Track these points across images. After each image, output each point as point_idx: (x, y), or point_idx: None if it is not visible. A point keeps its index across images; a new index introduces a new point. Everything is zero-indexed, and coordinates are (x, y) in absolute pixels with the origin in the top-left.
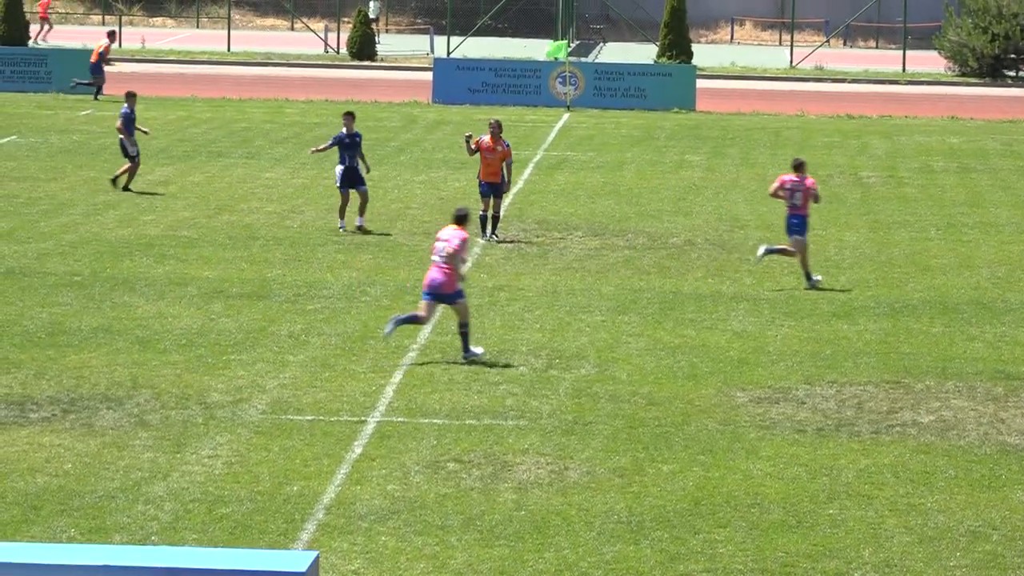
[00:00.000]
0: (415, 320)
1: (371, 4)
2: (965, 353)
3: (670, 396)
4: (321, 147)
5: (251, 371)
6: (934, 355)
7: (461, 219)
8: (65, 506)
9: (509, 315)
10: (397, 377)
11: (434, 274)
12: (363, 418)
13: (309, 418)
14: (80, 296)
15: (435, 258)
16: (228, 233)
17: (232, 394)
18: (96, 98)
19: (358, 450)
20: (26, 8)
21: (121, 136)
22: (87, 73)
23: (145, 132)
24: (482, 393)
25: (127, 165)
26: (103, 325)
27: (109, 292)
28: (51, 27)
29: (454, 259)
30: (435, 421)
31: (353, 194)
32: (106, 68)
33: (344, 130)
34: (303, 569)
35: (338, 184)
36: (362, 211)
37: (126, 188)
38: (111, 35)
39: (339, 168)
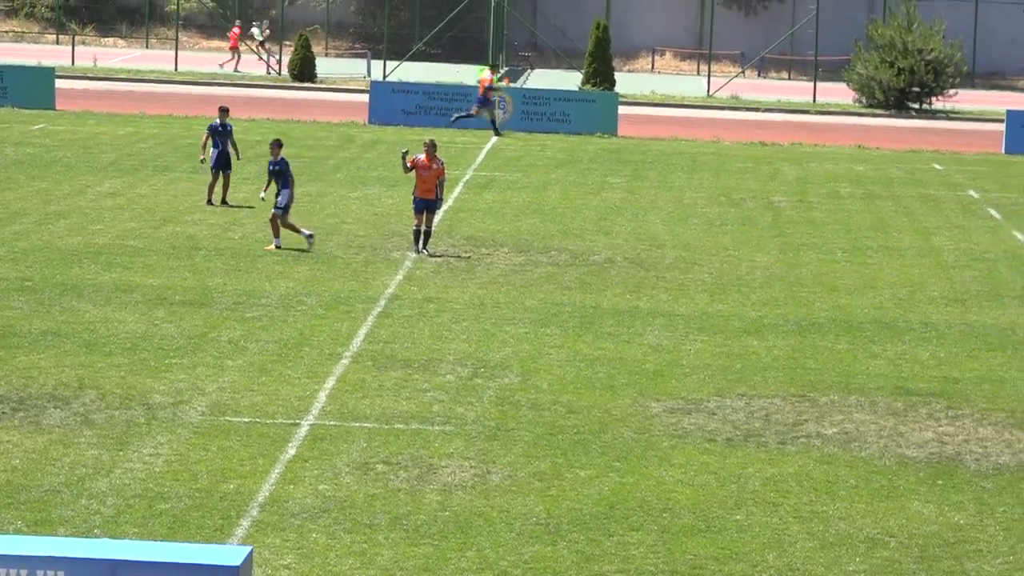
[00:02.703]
0: None
1: (254, 29)
2: (867, 369)
3: (588, 405)
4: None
5: (192, 374)
6: (838, 371)
7: None
8: (12, 499)
9: (437, 326)
10: (330, 383)
11: None
12: (297, 421)
13: (246, 420)
14: (30, 300)
15: None
16: (172, 243)
17: (173, 396)
18: (498, 133)
19: (292, 451)
20: None
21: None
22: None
23: (237, 157)
24: (410, 399)
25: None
26: (52, 328)
27: (58, 297)
28: (239, 58)
29: None
30: (365, 425)
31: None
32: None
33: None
34: (237, 563)
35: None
36: (225, 193)
37: (209, 202)
38: (493, 68)
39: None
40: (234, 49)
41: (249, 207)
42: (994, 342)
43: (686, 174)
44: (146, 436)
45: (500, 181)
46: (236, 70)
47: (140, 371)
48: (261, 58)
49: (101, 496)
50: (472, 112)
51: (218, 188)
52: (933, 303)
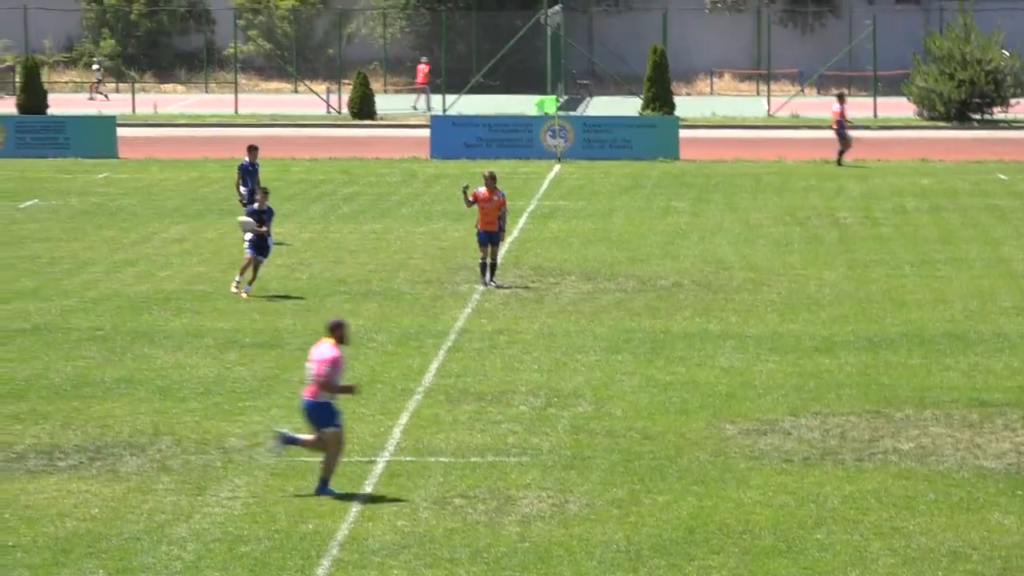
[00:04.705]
0: None
1: (96, 64)
2: (941, 383)
3: (663, 430)
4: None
5: (266, 416)
6: (912, 385)
7: None
8: (93, 548)
9: (509, 357)
10: (404, 419)
11: None
12: (373, 458)
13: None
14: (102, 349)
15: None
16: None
17: (248, 439)
18: (839, 163)
19: (369, 488)
20: (44, 79)
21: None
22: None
23: (264, 192)
24: (485, 432)
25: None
26: (125, 376)
27: (130, 345)
28: (428, 95)
29: None
30: (441, 459)
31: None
32: (849, 132)
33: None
34: None
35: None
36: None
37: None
38: (841, 97)
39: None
40: (424, 85)
41: (312, 247)
42: None
43: (751, 195)
44: (223, 480)
45: (565, 210)
46: (428, 108)
47: (214, 415)
48: (103, 95)
49: (181, 542)
50: (841, 147)
51: None
52: (1004, 313)
